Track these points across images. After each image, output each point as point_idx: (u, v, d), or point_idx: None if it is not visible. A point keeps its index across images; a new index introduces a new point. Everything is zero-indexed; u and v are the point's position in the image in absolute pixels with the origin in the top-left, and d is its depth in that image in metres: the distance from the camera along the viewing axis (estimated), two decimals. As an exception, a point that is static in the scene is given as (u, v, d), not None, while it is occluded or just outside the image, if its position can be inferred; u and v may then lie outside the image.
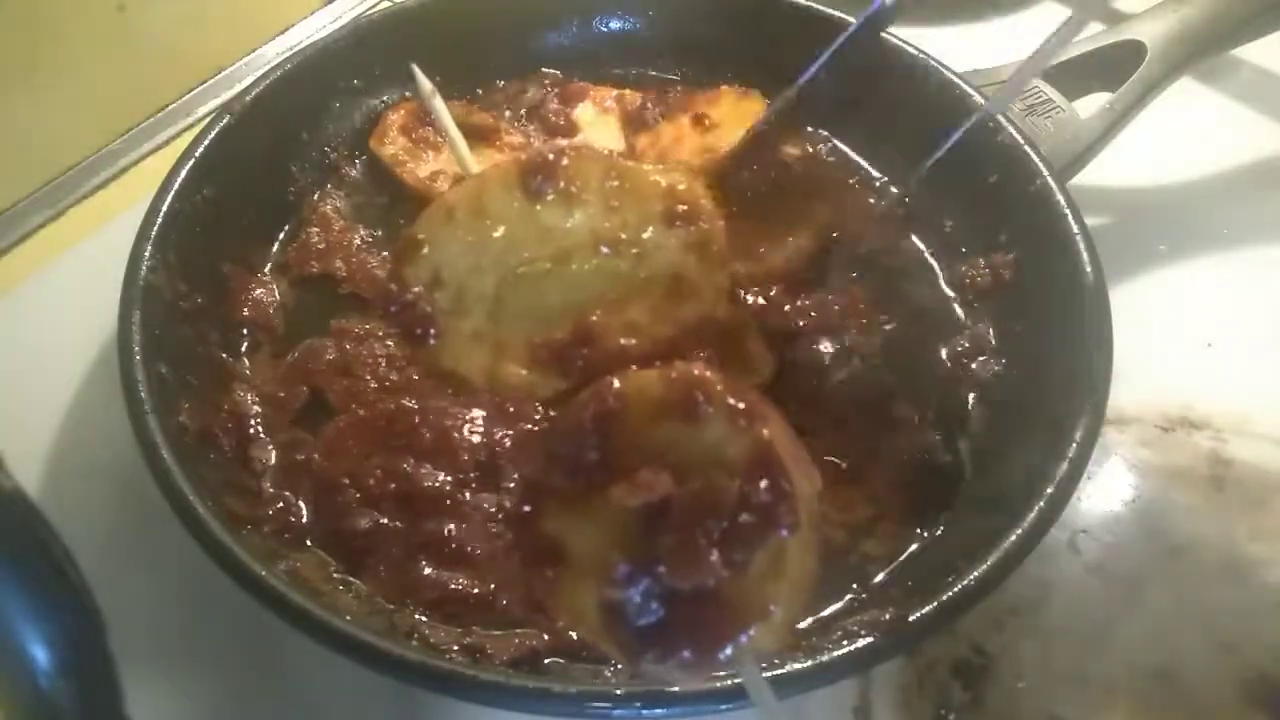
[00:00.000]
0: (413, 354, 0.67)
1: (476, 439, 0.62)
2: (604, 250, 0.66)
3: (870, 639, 0.51)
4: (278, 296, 0.71)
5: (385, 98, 0.82)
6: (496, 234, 0.67)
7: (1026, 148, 0.71)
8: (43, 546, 0.34)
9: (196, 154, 0.68)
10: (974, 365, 0.69)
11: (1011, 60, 0.80)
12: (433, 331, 0.67)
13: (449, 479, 0.61)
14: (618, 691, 0.49)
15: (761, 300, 0.68)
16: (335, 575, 0.58)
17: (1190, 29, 0.79)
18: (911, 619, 0.51)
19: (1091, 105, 0.78)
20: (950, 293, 0.74)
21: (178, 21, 0.91)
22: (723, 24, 0.85)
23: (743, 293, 0.68)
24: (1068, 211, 0.67)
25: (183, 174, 0.67)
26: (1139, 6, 0.82)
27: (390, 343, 0.67)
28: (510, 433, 0.63)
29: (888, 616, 0.52)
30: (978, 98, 0.74)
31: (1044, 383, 0.64)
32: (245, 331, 0.69)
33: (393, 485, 0.60)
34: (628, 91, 0.84)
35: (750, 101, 0.81)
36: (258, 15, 1.00)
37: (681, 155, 0.78)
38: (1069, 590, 0.65)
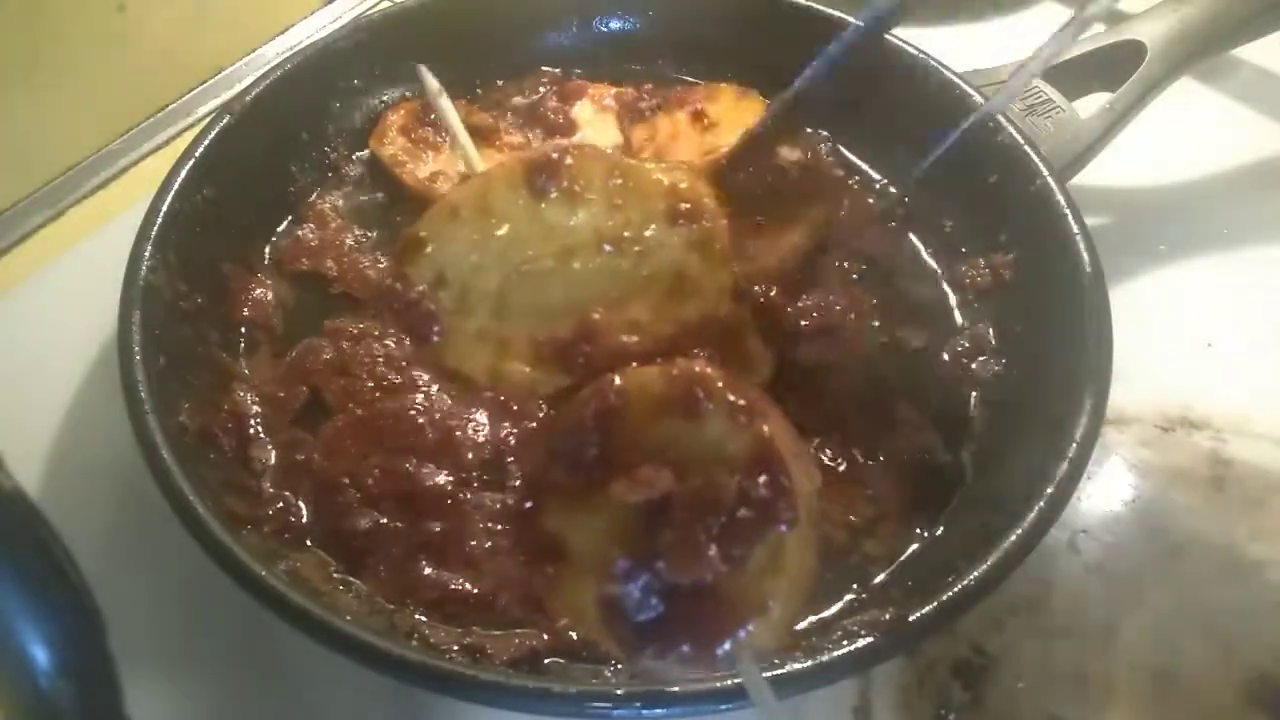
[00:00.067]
0: (417, 352, 0.67)
1: (480, 437, 0.62)
2: (607, 248, 0.66)
3: (870, 639, 0.50)
4: (277, 296, 0.71)
5: (385, 98, 0.82)
6: (500, 232, 0.67)
7: (1026, 148, 0.71)
8: (43, 546, 0.34)
9: (196, 154, 0.68)
10: (974, 365, 0.69)
11: (1011, 60, 0.80)
12: (436, 330, 0.68)
13: (451, 478, 0.61)
14: (618, 691, 0.49)
15: (761, 300, 0.68)
16: (335, 575, 0.58)
17: (1190, 29, 0.79)
18: (911, 619, 0.51)
19: (1091, 105, 0.78)
20: (950, 293, 0.74)
21: (178, 21, 0.91)
22: (723, 24, 0.85)
23: (742, 292, 0.68)
24: (1068, 211, 0.67)
25: (183, 174, 0.67)
26: (1139, 6, 0.82)
27: (389, 342, 0.67)
28: (514, 430, 0.63)
29: (888, 616, 0.52)
30: (978, 98, 0.74)
31: (1044, 383, 0.64)
32: (245, 331, 0.69)
33: (393, 485, 0.60)
34: (627, 89, 0.84)
35: (750, 101, 0.81)
36: (258, 15, 1.00)
37: (680, 152, 0.78)
38: (1069, 590, 0.65)
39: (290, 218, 0.76)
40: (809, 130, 0.81)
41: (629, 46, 0.88)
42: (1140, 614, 0.64)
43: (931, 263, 0.76)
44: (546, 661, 0.55)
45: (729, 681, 0.48)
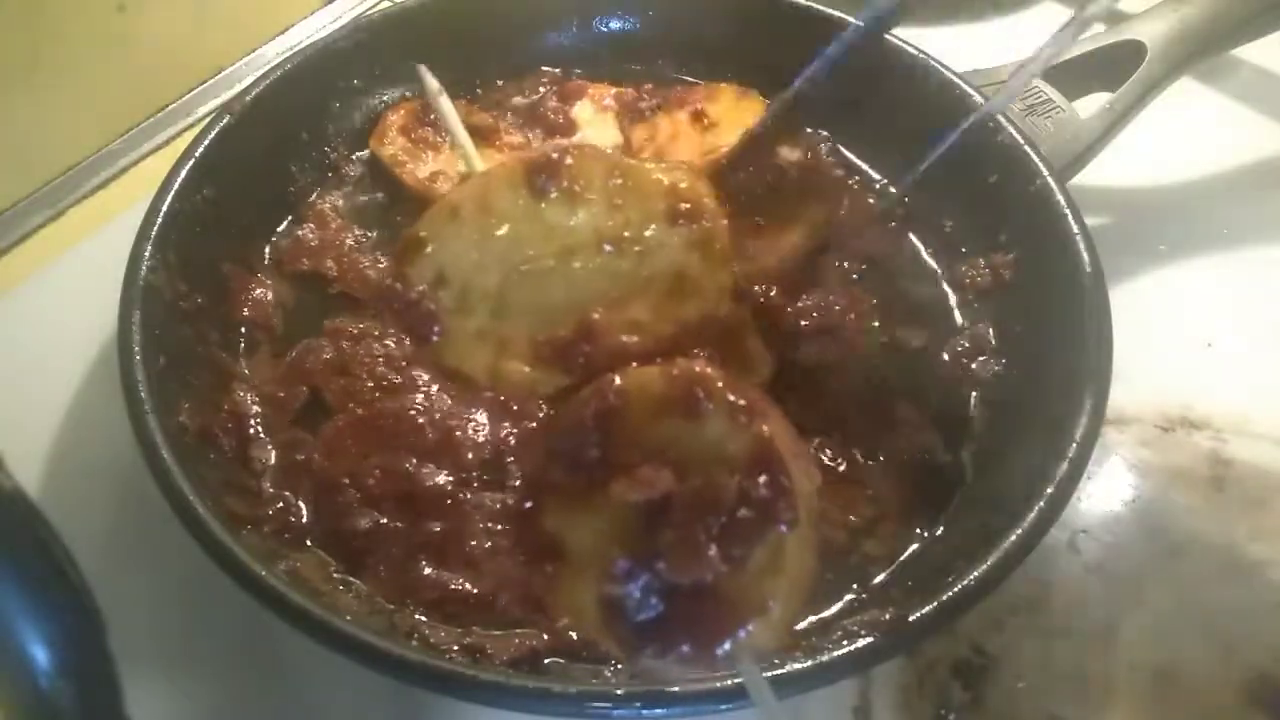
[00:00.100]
0: (417, 352, 0.67)
1: (480, 437, 0.62)
2: (607, 248, 0.66)
3: (870, 639, 0.50)
4: (277, 296, 0.71)
5: (385, 98, 0.82)
6: (501, 232, 0.67)
7: (1026, 148, 0.71)
8: (43, 546, 0.34)
9: (196, 154, 0.68)
10: (974, 365, 0.69)
11: (1011, 60, 0.80)
12: (436, 329, 0.68)
13: (450, 478, 0.61)
14: (618, 691, 0.49)
15: (761, 300, 0.68)
16: (335, 575, 0.58)
17: (1190, 29, 0.79)
18: (911, 619, 0.51)
19: (1091, 105, 0.78)
20: (950, 293, 0.74)
21: (178, 21, 0.91)
22: (723, 24, 0.85)
23: (742, 292, 0.68)
24: (1068, 211, 0.67)
25: (183, 174, 0.67)
26: (1139, 6, 0.82)
27: (389, 342, 0.67)
28: (514, 430, 0.63)
29: (888, 616, 0.52)
30: (978, 98, 0.74)
31: (1044, 383, 0.64)
32: (245, 331, 0.69)
33: (393, 485, 0.60)
34: (627, 89, 0.84)
35: (750, 101, 0.81)
36: (258, 15, 1.00)
37: (681, 152, 0.78)
38: (1069, 590, 0.65)
39: (290, 218, 0.76)
40: (809, 130, 0.81)
41: (629, 46, 0.88)
42: (1140, 614, 0.64)
43: (931, 263, 0.76)
44: (546, 661, 0.55)
45: (729, 681, 0.48)
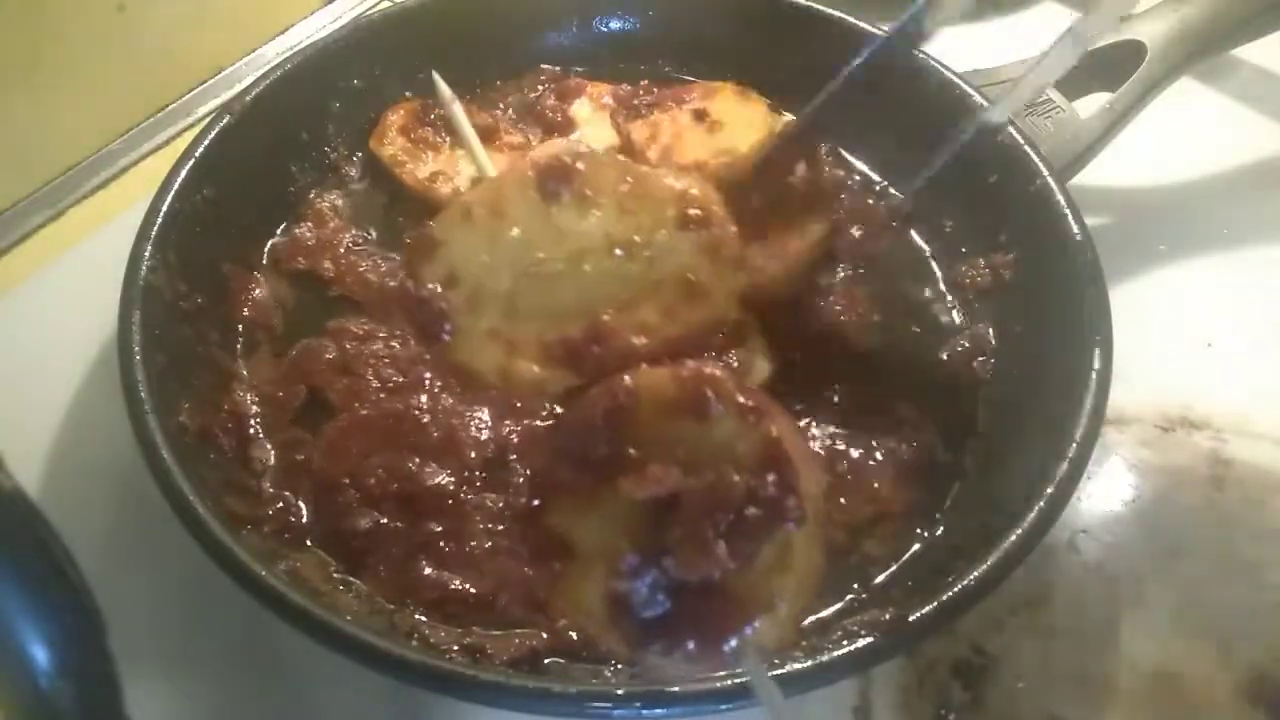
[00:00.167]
0: (426, 351, 0.67)
1: (483, 436, 0.62)
2: (617, 252, 0.66)
3: (870, 639, 0.51)
4: (277, 296, 0.71)
5: (385, 98, 0.82)
6: (512, 234, 0.67)
7: (1026, 148, 0.71)
8: (43, 546, 0.34)
9: (196, 154, 0.68)
10: (974, 365, 0.69)
11: (1011, 60, 0.80)
12: (447, 328, 0.68)
13: (452, 478, 0.61)
14: (618, 691, 0.49)
15: (763, 301, 0.68)
16: (335, 575, 0.58)
17: (1190, 29, 0.79)
18: (911, 619, 0.51)
19: (1091, 105, 0.78)
20: (950, 293, 0.74)
21: (178, 21, 0.91)
22: (723, 24, 0.85)
23: (746, 295, 0.68)
24: (1068, 211, 0.67)
25: (183, 174, 0.67)
26: (1139, 6, 0.82)
27: (394, 342, 0.67)
28: (518, 429, 0.63)
29: (888, 616, 0.52)
30: (978, 98, 0.74)
31: (1044, 383, 0.64)
32: (245, 331, 0.69)
33: (395, 485, 0.60)
34: (625, 87, 0.84)
35: (750, 101, 0.81)
36: (258, 15, 1.00)
37: (691, 153, 0.78)
38: (1069, 590, 0.65)
39: (290, 217, 0.76)
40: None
41: (629, 46, 0.88)
42: (1140, 614, 0.64)
43: (932, 263, 0.76)
44: (546, 661, 0.55)
45: (728, 681, 0.48)
